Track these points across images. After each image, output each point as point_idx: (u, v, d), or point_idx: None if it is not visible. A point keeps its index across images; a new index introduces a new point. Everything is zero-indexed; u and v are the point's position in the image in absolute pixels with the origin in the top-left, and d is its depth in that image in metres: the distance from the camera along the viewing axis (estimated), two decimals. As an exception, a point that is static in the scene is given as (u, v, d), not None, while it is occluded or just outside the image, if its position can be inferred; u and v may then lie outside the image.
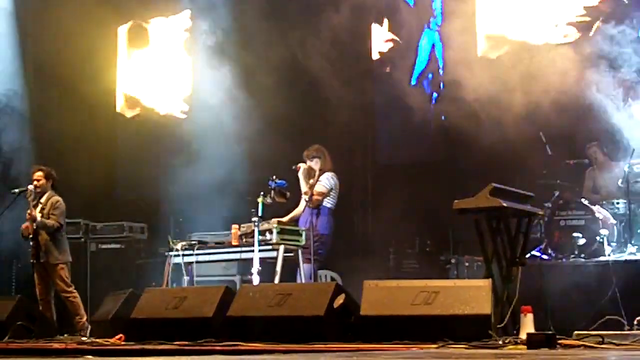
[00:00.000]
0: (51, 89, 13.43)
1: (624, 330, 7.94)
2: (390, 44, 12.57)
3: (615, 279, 9.05)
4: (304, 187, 10.01)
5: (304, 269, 9.69)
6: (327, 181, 10.03)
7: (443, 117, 12.06)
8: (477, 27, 11.43)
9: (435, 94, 12.46)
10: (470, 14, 11.21)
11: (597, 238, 9.98)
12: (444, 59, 12.28)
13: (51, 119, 13.28)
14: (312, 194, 9.90)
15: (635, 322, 7.95)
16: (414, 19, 12.29)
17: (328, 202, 10.03)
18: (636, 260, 9.58)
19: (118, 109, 13.81)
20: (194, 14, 13.44)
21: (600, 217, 10.08)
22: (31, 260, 10.39)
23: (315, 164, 10.08)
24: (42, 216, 10.23)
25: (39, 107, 13.59)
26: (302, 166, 10.05)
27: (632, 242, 9.98)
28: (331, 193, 10.04)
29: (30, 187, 10.30)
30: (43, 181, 10.35)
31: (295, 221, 10.13)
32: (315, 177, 10.01)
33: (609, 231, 10.07)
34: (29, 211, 10.20)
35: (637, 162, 10.25)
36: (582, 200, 10.39)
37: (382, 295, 7.56)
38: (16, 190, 10.50)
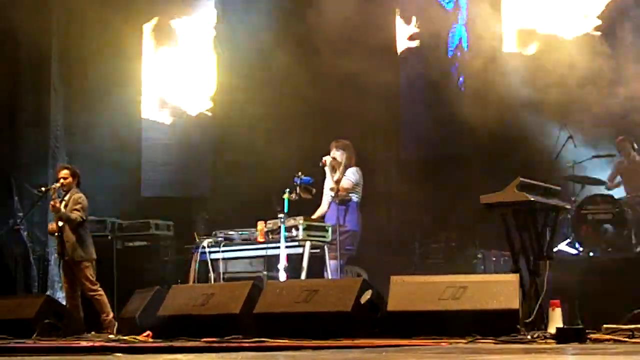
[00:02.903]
0: (78, 88, 13.45)
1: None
2: (417, 43, 12.50)
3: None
4: (330, 183, 9.94)
5: (330, 265, 9.66)
6: (352, 175, 9.99)
7: (467, 110, 11.98)
8: (502, 21, 11.36)
9: (460, 88, 12.39)
10: (495, 8, 11.14)
11: (625, 232, 9.92)
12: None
13: (78, 118, 13.34)
14: (338, 189, 9.85)
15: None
16: (444, 15, 12.21)
17: (355, 197, 9.98)
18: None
19: (147, 112, 13.78)
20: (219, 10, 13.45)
21: (628, 210, 10.02)
22: (57, 257, 10.46)
23: (340, 156, 10.00)
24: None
25: (66, 106, 13.62)
26: (327, 160, 9.97)
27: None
28: (357, 188, 10.01)
29: (57, 184, 10.38)
30: (69, 179, 10.41)
31: (322, 218, 10.08)
32: (340, 172, 9.96)
33: (636, 225, 10.01)
34: (52, 202, 10.26)
35: None
36: (609, 193, 10.34)
37: (409, 291, 7.54)
38: (43, 189, 10.60)
